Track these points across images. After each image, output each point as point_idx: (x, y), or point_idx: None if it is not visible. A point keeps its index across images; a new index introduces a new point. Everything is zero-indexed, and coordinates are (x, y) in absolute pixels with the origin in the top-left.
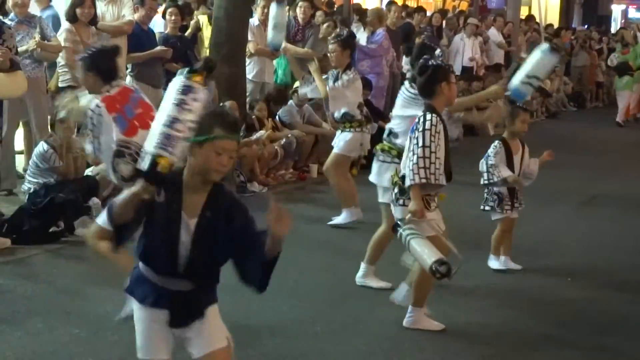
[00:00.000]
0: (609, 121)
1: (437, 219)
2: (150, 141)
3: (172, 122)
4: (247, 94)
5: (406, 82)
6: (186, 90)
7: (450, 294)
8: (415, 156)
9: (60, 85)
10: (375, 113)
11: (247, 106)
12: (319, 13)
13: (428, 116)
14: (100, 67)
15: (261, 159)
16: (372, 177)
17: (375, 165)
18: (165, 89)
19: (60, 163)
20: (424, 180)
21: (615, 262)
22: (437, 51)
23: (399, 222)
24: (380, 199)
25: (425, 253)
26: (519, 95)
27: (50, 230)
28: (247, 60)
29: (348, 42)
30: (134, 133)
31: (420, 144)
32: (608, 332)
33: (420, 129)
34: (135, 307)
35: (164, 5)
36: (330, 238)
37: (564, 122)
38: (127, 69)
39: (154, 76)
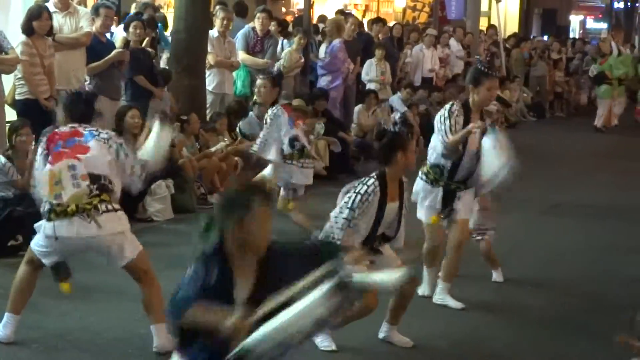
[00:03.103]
0: (570, 131)
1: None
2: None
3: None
4: (207, 105)
5: None
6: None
7: (410, 306)
8: (341, 216)
9: (17, 98)
10: (337, 124)
11: (208, 118)
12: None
13: (370, 182)
14: (73, 112)
15: (221, 171)
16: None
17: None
18: (125, 101)
19: (18, 176)
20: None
21: (575, 271)
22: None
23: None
24: None
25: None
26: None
27: (9, 244)
28: (207, 72)
29: (277, 81)
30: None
31: (349, 205)
32: (568, 340)
33: (356, 191)
34: None
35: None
36: None
37: (524, 132)
38: (86, 81)
39: (113, 88)
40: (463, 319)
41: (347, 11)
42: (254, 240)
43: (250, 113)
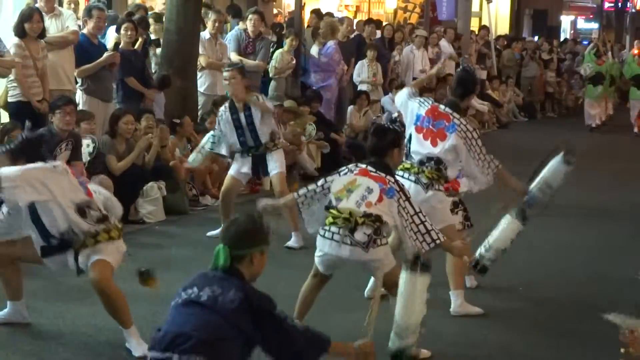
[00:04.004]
0: (562, 131)
1: None
2: None
3: None
4: (199, 107)
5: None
6: None
7: None
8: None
9: (9, 100)
10: (327, 125)
11: (199, 119)
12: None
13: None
14: (29, 155)
15: (212, 172)
16: None
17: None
18: (117, 102)
19: None
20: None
21: (566, 272)
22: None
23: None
24: None
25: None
26: (534, 200)
27: None
28: (199, 74)
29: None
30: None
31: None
32: (559, 341)
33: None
34: None
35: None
36: (278, 250)
37: (516, 132)
38: (77, 82)
39: (104, 90)
40: (456, 320)
41: (323, 13)
42: (260, 272)
43: None
